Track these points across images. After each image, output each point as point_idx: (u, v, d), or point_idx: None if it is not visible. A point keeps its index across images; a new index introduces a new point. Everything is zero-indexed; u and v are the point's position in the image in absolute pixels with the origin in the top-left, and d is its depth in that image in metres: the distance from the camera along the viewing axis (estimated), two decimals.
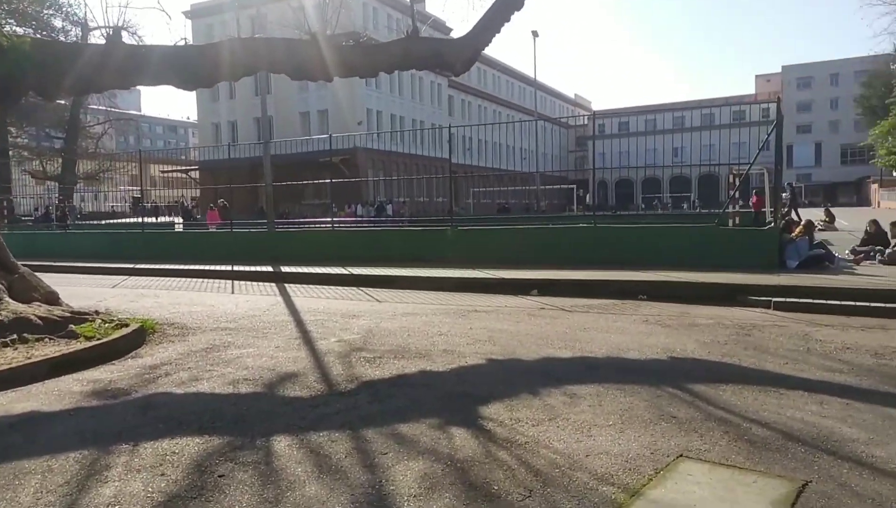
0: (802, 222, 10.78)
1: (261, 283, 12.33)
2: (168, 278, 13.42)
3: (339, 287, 11.39)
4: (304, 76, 8.81)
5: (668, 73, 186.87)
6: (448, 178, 14.76)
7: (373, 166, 50.94)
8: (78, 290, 10.90)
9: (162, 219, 37.99)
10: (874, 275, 9.34)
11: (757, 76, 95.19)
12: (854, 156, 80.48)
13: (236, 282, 12.62)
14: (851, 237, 15.59)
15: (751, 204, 25.56)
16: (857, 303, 7.77)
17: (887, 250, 10.65)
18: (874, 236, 11.59)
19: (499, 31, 8.94)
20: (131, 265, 14.96)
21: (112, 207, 41.88)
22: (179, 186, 45.37)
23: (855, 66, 75.71)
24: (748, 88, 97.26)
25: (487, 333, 6.97)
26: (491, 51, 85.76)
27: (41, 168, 45.12)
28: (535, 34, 45.89)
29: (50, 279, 8.70)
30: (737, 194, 24.36)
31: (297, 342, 6.73)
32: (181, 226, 31.08)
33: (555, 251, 12.26)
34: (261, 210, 48.43)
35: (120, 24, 9.35)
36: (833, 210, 25.98)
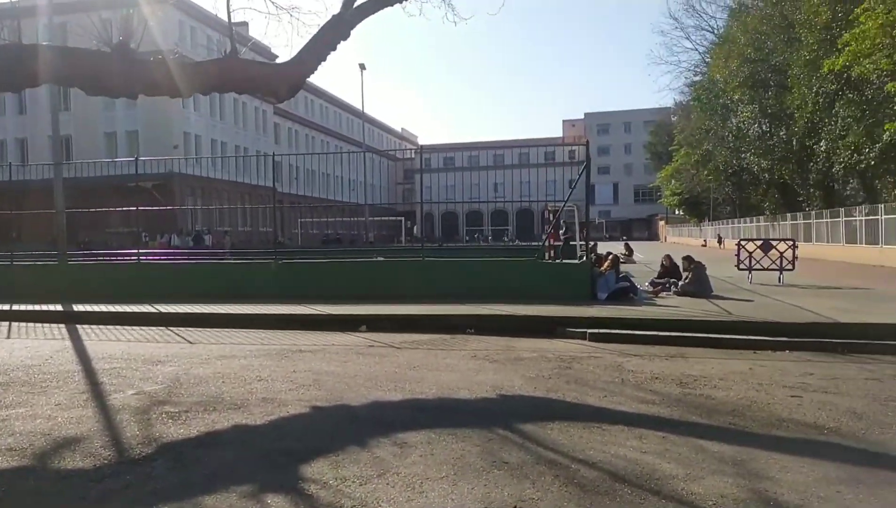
0: (609, 257, 11.66)
1: (47, 325, 10.66)
2: None
3: (145, 328, 10.18)
4: (102, 91, 7.81)
5: (489, 112, 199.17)
6: (272, 208, 14.02)
7: (191, 193, 47.62)
8: None
9: None
10: (671, 306, 10.26)
11: (564, 120, 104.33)
12: (645, 196, 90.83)
13: (15, 324, 10.81)
14: (648, 270, 17.22)
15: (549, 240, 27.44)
16: (660, 333, 8.43)
17: (681, 283, 11.83)
18: (669, 270, 12.86)
19: (325, 59, 8.65)
20: None
21: None
22: None
23: (644, 116, 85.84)
24: (557, 130, 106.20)
25: (312, 376, 6.49)
26: (318, 80, 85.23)
27: None
28: (362, 67, 46.43)
29: None
30: (551, 229, 26.11)
31: (84, 397, 5.75)
32: None
33: (383, 285, 12.05)
34: (54, 240, 43.15)
35: None
36: (630, 244, 28.78)
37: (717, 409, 5.15)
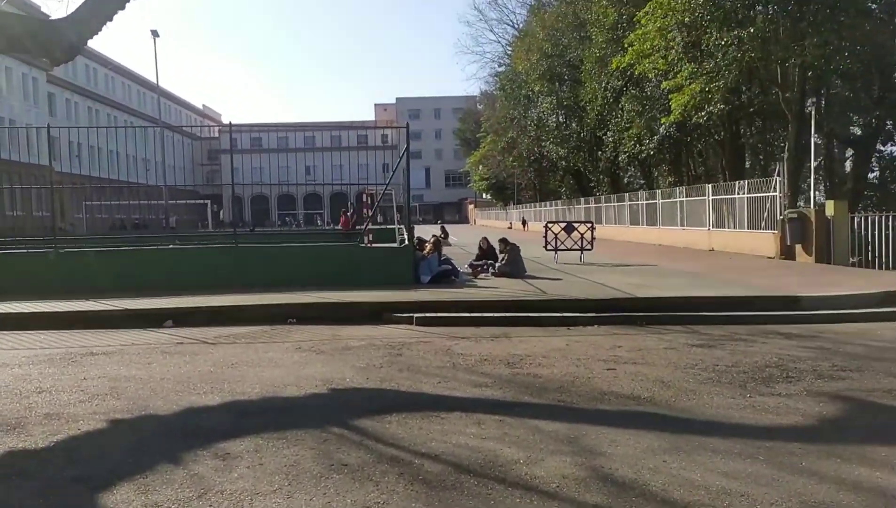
0: (432, 240, 11.72)
1: None
2: None
3: None
4: None
5: (296, 94, 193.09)
6: (50, 188, 12.13)
7: None
8: None
9: None
10: (491, 287, 10.59)
11: (376, 105, 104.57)
12: (455, 180, 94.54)
13: None
14: (463, 252, 17.78)
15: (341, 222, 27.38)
16: (485, 314, 8.63)
17: (497, 264, 12.28)
18: (486, 252, 13.30)
19: (110, 20, 7.56)
20: None
21: None
22: None
23: (453, 103, 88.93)
24: (369, 115, 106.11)
25: (108, 383, 5.62)
26: (101, 47, 76.23)
27: None
28: (154, 34, 42.12)
29: None
30: (370, 213, 25.93)
31: None
32: None
33: (191, 275, 10.98)
34: None
35: None
36: (445, 227, 29.62)
37: (545, 387, 5.30)
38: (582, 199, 34.15)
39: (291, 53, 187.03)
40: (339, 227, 26.90)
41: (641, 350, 6.70)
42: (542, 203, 44.96)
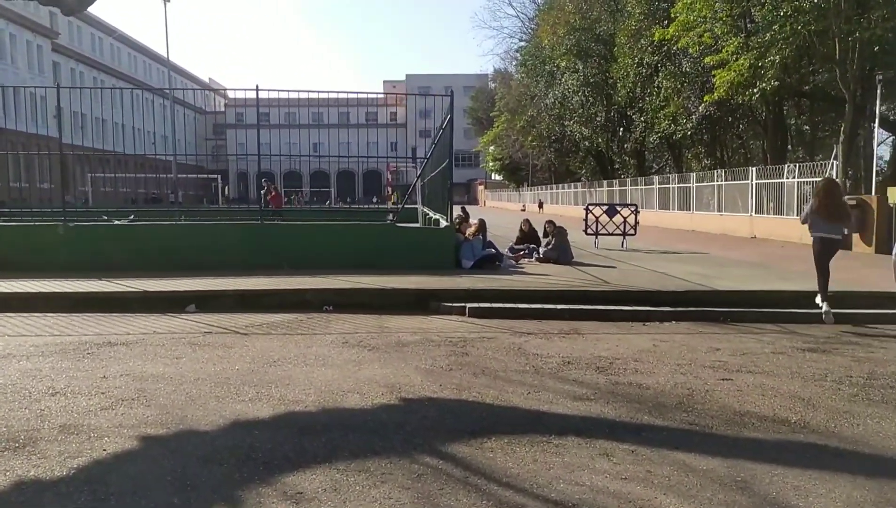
0: (477, 222, 10.74)
1: None
2: None
3: None
4: None
5: (302, 69, 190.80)
6: (59, 155, 11.20)
7: None
8: None
9: None
10: (542, 274, 9.65)
11: (385, 81, 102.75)
12: (465, 160, 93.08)
13: None
14: (491, 235, 16.79)
15: (268, 200, 25.93)
16: (545, 306, 7.70)
17: (542, 249, 11.35)
18: (528, 235, 12.36)
19: None
20: None
21: None
22: None
23: (464, 81, 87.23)
24: (378, 91, 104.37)
25: (134, 384, 4.73)
26: (108, 16, 74.52)
27: None
28: None
29: None
30: (390, 191, 25.02)
31: None
32: None
33: (211, 254, 10.06)
34: None
35: None
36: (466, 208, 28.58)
37: (661, 403, 4.40)
38: (605, 181, 33.06)
39: (296, 25, 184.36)
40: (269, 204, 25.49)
41: (746, 355, 5.78)
42: (559, 185, 43.84)
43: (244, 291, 8.22)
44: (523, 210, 48.62)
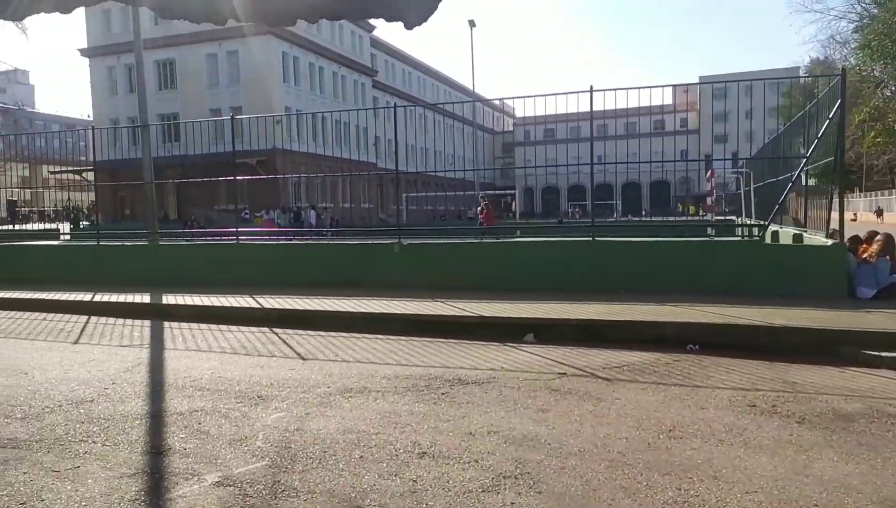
0: (880, 238, 8.18)
1: (129, 321, 8.65)
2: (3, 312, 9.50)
3: (243, 328, 7.91)
4: (176, 13, 5.39)
5: (583, 82, 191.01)
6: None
7: (293, 169, 46.63)
8: None
9: (43, 226, 32.79)
10: None
11: (674, 86, 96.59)
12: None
13: (94, 319, 8.87)
14: None
15: (479, 215, 23.56)
16: None
17: None
18: None
19: None
20: None
21: None
22: (77, 188, 40.04)
23: (768, 77, 77.59)
24: (665, 98, 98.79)
25: (509, 450, 3.77)
26: (414, 51, 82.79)
27: None
28: (471, 24, 42.05)
29: None
30: (711, 201, 22.36)
31: (133, 488, 3.30)
32: (67, 235, 26.66)
33: (539, 275, 9.22)
34: (166, 217, 43.22)
35: None
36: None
37: None
38: None
39: (573, 35, 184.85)
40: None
41: None
42: None
43: (587, 321, 7.07)
44: (854, 220, 40.69)
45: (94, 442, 3.98)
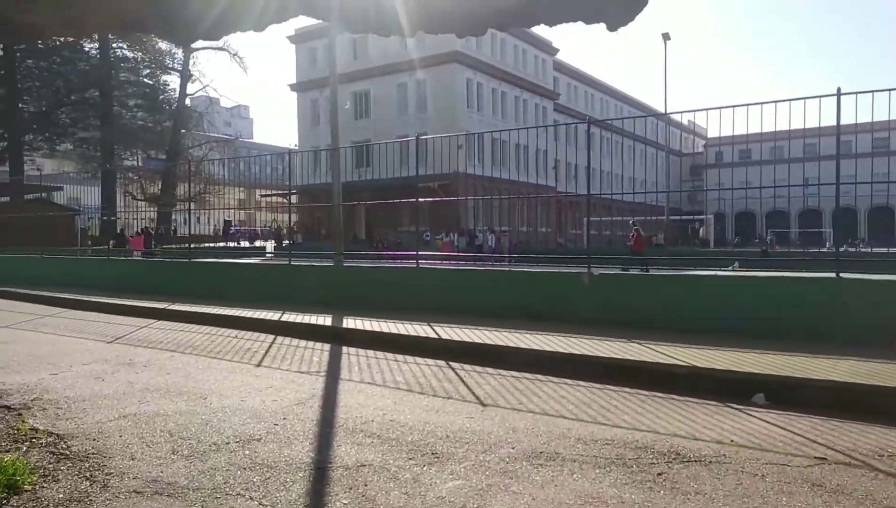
0: None
1: (310, 344, 8.57)
2: (201, 328, 10.00)
3: (419, 361, 7.38)
4: (358, 26, 4.98)
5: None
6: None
7: (474, 193, 47.19)
8: (63, 343, 7.51)
9: (251, 244, 36.19)
10: None
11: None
12: None
13: (279, 339, 8.92)
14: None
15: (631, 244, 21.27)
16: None
17: None
18: None
19: None
20: (165, 306, 11.70)
21: (215, 228, 39.12)
22: (283, 210, 44.08)
23: None
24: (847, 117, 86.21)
25: None
26: (595, 71, 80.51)
27: (141, 189, 45.02)
28: (665, 37, 39.34)
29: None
30: None
31: None
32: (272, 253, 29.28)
33: (761, 319, 7.64)
34: (354, 238, 45.85)
35: None
36: None
37: None
38: None
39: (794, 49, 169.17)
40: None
41: None
42: None
43: (841, 384, 5.50)
44: None
45: (250, 498, 3.48)
